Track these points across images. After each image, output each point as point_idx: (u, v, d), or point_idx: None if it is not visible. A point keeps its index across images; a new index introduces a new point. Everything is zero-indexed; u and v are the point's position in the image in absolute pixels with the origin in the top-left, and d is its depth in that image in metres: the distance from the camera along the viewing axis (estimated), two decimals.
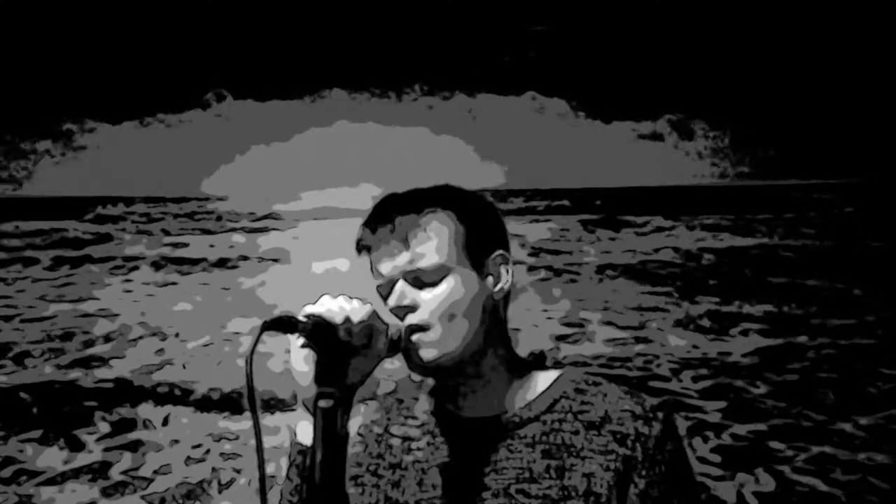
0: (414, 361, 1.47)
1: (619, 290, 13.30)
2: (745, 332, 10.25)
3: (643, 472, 1.42)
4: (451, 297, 1.46)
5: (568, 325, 10.78)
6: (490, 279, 1.51)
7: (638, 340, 9.93)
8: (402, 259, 1.47)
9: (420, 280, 1.47)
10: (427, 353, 1.46)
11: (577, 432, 1.46)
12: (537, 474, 1.45)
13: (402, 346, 1.45)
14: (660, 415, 1.45)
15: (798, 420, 7.15)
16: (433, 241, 1.47)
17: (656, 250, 17.91)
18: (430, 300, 1.46)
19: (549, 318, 11.10)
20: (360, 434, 1.58)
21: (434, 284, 1.47)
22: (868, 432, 6.81)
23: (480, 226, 1.52)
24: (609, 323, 10.83)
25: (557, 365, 1.59)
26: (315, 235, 20.16)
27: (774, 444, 6.64)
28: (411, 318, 1.46)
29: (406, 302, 1.46)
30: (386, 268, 1.48)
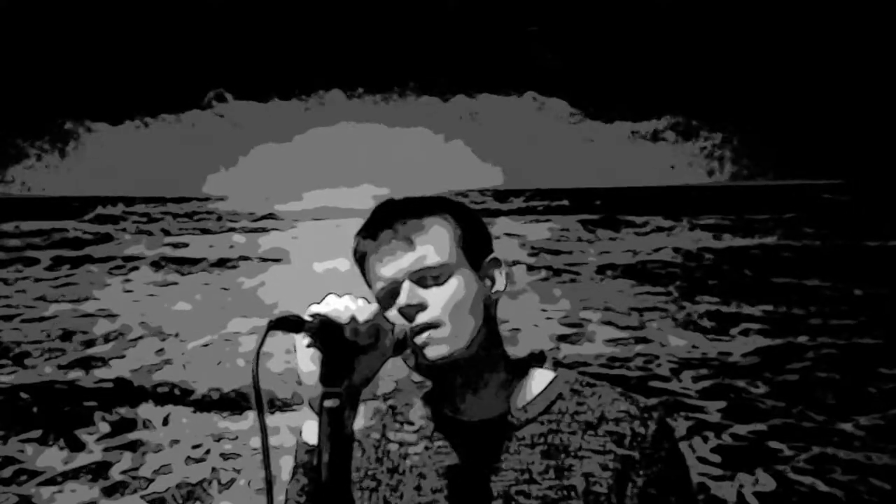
0: (423, 359, 1.47)
1: (620, 290, 13.29)
2: (745, 332, 10.24)
3: (641, 472, 1.44)
4: (457, 295, 1.48)
5: (568, 325, 10.77)
6: (487, 281, 1.54)
7: (638, 340, 9.93)
8: (407, 259, 1.48)
9: (425, 280, 1.48)
10: (438, 350, 1.47)
11: (574, 433, 1.48)
12: (537, 475, 1.46)
13: (409, 345, 1.45)
14: (654, 415, 1.48)
15: (798, 420, 7.15)
16: (436, 241, 1.50)
17: (656, 250, 17.89)
18: (438, 298, 1.47)
19: (549, 318, 11.09)
20: (357, 440, 1.57)
21: (440, 284, 1.49)
22: (868, 432, 6.81)
23: (474, 230, 1.56)
24: (609, 323, 10.82)
25: (550, 366, 1.59)
26: (315, 235, 20.13)
27: (774, 444, 6.64)
28: (422, 317, 1.46)
29: (416, 301, 1.47)
30: (389, 270, 1.49)
